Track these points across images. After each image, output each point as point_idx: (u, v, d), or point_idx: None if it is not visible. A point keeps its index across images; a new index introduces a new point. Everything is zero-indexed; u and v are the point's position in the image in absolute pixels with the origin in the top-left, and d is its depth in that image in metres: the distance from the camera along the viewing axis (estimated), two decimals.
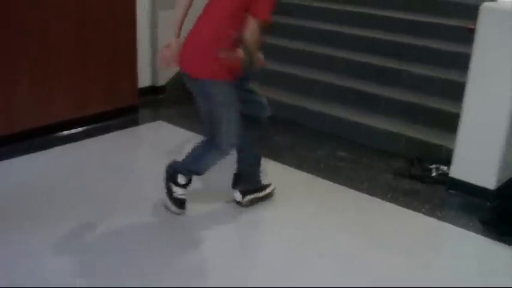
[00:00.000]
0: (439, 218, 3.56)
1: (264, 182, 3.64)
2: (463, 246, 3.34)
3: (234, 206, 3.52)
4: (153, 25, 5.53)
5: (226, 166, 3.49)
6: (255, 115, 3.38)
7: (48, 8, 4.35)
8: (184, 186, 3.38)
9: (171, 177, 3.38)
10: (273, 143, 4.60)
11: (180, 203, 3.39)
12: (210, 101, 3.14)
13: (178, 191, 3.38)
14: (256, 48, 3.18)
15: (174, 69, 5.72)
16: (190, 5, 3.21)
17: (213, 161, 3.30)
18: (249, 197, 3.53)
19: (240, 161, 3.54)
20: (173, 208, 3.39)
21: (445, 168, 4.04)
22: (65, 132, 4.60)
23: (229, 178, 3.56)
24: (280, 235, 3.28)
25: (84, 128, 4.72)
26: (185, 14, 3.22)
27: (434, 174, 4.06)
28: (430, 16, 5.51)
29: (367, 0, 6.08)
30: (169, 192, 3.39)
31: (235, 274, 2.89)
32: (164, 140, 4.61)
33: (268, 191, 3.63)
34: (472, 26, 3.67)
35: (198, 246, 3.17)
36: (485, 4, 3.62)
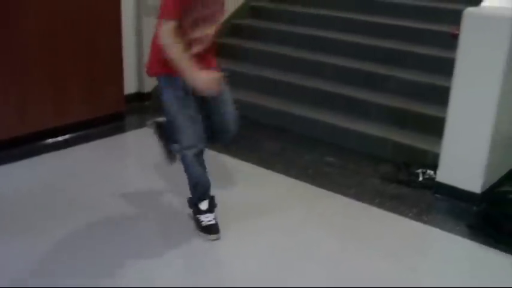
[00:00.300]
0: (425, 222, 3.57)
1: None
2: (450, 250, 3.36)
3: (222, 211, 3.51)
4: (139, 31, 5.52)
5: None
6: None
7: (28, 13, 4.28)
8: (207, 211, 3.30)
9: (193, 207, 3.34)
10: (262, 149, 4.61)
11: (213, 229, 3.27)
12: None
13: (204, 219, 3.29)
14: (177, 57, 2.87)
15: None
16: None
17: (191, 169, 3.17)
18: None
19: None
20: (209, 237, 3.25)
21: (431, 172, 4.06)
22: (50, 141, 4.57)
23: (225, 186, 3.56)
24: (268, 240, 3.28)
25: (70, 135, 4.70)
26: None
27: (421, 178, 4.07)
28: (417, 22, 5.55)
29: (356, 6, 6.10)
30: (198, 223, 3.31)
31: (222, 281, 2.89)
32: (151, 148, 4.58)
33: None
34: (457, 32, 3.70)
35: (187, 254, 3.16)
36: (469, 9, 3.64)
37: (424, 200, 3.88)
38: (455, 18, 3.79)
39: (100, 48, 4.87)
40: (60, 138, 4.64)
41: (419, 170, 4.12)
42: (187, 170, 3.20)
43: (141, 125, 5.10)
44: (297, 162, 4.39)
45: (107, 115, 5.02)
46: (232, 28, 6.39)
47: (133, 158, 4.65)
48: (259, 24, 6.40)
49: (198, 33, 2.99)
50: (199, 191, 3.27)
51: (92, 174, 4.04)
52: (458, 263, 3.21)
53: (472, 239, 3.39)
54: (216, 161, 4.31)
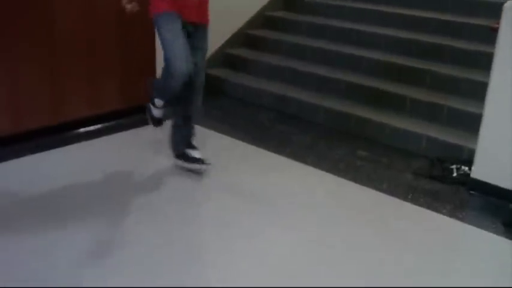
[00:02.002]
0: (460, 219, 3.51)
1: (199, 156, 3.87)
2: (484, 247, 3.28)
3: (253, 203, 3.51)
4: None
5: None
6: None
7: (64, 7, 4.33)
8: (161, 108, 3.87)
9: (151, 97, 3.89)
10: (293, 142, 4.58)
11: (157, 122, 4.02)
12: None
13: (155, 112, 3.93)
14: None
15: None
16: None
17: (165, 83, 3.62)
18: (177, 161, 3.97)
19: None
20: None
21: (466, 168, 3.98)
22: (81, 130, 4.61)
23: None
24: (298, 234, 3.26)
25: (103, 125, 4.73)
26: None
27: (455, 174, 4.01)
28: (455, 15, 5.45)
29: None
30: (148, 112, 3.98)
31: (251, 270, 2.88)
32: None
33: (194, 166, 3.87)
34: (496, 25, 3.61)
35: (215, 246, 3.16)
36: (509, 2, 3.56)
37: (458, 196, 3.81)
38: (494, 11, 3.72)
39: (133, 40, 4.89)
40: (92, 128, 4.68)
41: (454, 166, 4.05)
42: (160, 81, 3.79)
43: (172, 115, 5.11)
44: (328, 155, 4.35)
45: (140, 105, 5.04)
46: (264, 20, 6.37)
47: (164, 147, 4.65)
48: (292, 17, 6.36)
49: None
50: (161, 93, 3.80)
51: (122, 163, 4.08)
52: (493, 261, 3.14)
53: (507, 237, 3.32)
54: (247, 152, 4.30)
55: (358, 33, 5.70)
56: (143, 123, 4.85)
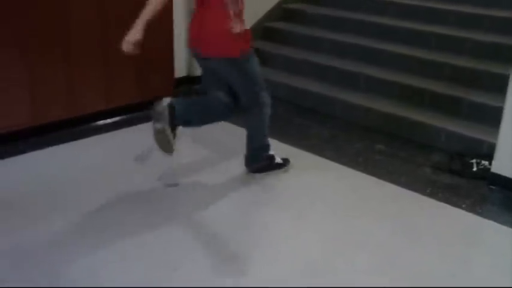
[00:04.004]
0: (479, 214, 3.47)
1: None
2: (504, 243, 3.24)
3: (271, 196, 3.50)
4: (189, 16, 5.50)
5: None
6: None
7: (81, 1, 4.34)
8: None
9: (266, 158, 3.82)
10: (312, 136, 4.56)
11: (285, 161, 3.89)
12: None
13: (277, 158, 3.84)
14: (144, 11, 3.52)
15: None
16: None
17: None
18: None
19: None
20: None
21: (486, 163, 3.94)
22: (99, 123, 4.63)
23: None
24: (316, 227, 3.25)
25: (119, 118, 4.75)
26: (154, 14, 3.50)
27: (475, 169, 3.96)
28: (476, 7, 5.39)
29: None
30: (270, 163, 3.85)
31: (270, 263, 2.87)
32: (198, 131, 4.58)
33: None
34: None
35: (230, 235, 3.16)
36: None
37: (478, 191, 3.77)
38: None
39: (151, 33, 4.85)
40: (109, 121, 4.69)
41: (474, 160, 4.00)
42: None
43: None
44: (347, 149, 4.32)
45: (157, 98, 5.04)
46: (283, 13, 6.34)
47: (180, 140, 4.65)
48: (311, 10, 6.32)
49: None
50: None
51: (138, 157, 4.08)
52: (511, 256, 3.11)
53: None
54: None
55: (378, 26, 5.66)
56: None
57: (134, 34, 3.39)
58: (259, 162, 3.77)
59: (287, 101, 5.23)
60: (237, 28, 3.31)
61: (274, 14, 6.31)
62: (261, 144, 3.74)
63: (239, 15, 3.35)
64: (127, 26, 4.66)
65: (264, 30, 6.18)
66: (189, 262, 2.86)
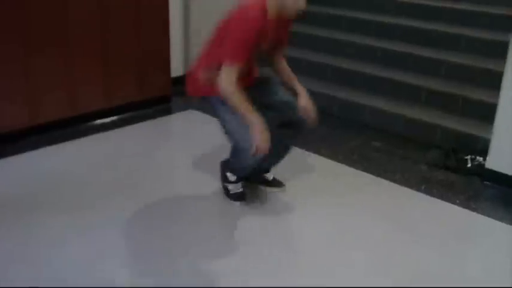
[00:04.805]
0: (473, 210, 3.49)
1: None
2: (498, 238, 3.26)
3: (266, 195, 3.52)
4: (186, 16, 5.53)
5: None
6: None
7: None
8: (235, 182, 3.42)
9: (222, 175, 3.47)
10: (307, 133, 4.56)
11: (237, 197, 3.44)
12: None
13: (231, 188, 3.45)
14: (237, 105, 2.92)
15: None
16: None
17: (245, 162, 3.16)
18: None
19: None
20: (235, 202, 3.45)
21: (481, 159, 3.95)
22: (97, 122, 4.65)
23: None
24: (312, 225, 3.26)
25: (118, 117, 4.76)
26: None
27: (469, 165, 3.97)
28: (472, 4, 5.40)
29: None
30: (226, 191, 3.48)
31: (263, 262, 2.89)
32: (196, 129, 4.62)
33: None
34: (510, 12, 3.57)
35: (225, 236, 3.17)
36: None
37: (473, 187, 3.79)
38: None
39: (148, 33, 4.90)
40: (107, 120, 4.71)
41: (468, 156, 4.02)
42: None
43: (186, 107, 5.14)
44: (343, 146, 4.34)
45: (154, 97, 5.07)
46: None
47: (178, 139, 4.68)
48: (308, 8, 6.31)
49: (254, 60, 3.12)
50: (238, 172, 3.35)
51: (136, 155, 4.09)
52: (506, 251, 3.11)
53: None
54: None
55: (373, 24, 5.67)
56: (158, 114, 4.90)
57: (261, 129, 2.91)
58: (225, 171, 3.48)
59: None
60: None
61: None
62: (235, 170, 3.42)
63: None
64: (126, 24, 4.71)
65: None
66: (169, 259, 2.88)
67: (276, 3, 2.93)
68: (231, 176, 3.42)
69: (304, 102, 3.18)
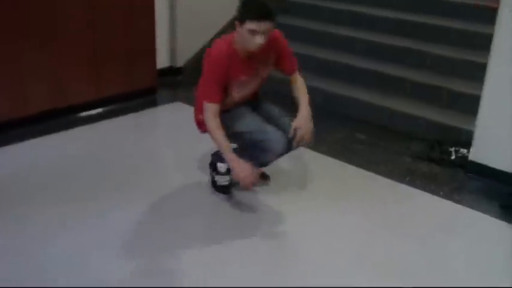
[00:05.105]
0: (457, 202, 3.51)
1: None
2: (481, 230, 3.29)
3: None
4: (172, 6, 5.50)
5: None
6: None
7: None
8: (225, 174, 3.43)
9: (212, 165, 3.47)
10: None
11: (222, 189, 3.47)
12: None
13: (218, 179, 3.47)
14: (217, 142, 3.11)
15: (192, 50, 5.74)
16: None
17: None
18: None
19: None
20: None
21: (465, 151, 3.98)
22: (83, 114, 4.63)
23: None
24: (294, 217, 3.27)
25: (104, 109, 4.75)
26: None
27: (453, 157, 4.00)
28: None
29: None
30: (213, 182, 3.50)
31: (247, 256, 2.90)
32: (182, 121, 4.59)
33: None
34: (478, 3, 3.57)
35: (213, 230, 3.18)
36: None
37: (456, 178, 3.82)
38: None
39: (134, 24, 4.88)
40: (94, 112, 4.70)
41: (452, 148, 4.05)
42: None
43: (172, 99, 5.13)
44: (327, 138, 4.35)
45: (140, 89, 5.06)
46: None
47: (164, 131, 4.68)
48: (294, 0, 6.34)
49: (245, 91, 3.21)
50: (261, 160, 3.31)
51: (122, 147, 4.09)
52: (490, 243, 3.14)
53: (504, 220, 3.33)
54: None
55: (355, 15, 5.69)
56: (144, 106, 4.89)
57: (241, 166, 3.01)
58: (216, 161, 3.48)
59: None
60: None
61: None
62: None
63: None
64: (114, 16, 4.68)
65: None
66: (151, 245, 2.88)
67: (237, 40, 3.04)
68: (221, 167, 3.43)
69: (298, 123, 3.14)
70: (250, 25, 2.91)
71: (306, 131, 3.14)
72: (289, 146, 3.19)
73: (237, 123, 3.18)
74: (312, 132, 3.19)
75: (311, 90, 5.01)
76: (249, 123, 3.18)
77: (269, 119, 3.27)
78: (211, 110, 3.04)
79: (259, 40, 2.95)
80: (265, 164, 3.37)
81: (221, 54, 3.04)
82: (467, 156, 3.91)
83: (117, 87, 4.89)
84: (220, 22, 5.90)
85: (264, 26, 2.91)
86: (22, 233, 2.99)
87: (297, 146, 3.20)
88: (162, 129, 4.78)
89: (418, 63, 4.92)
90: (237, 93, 3.19)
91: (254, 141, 3.14)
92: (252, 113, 3.26)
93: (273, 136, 3.11)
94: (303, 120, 3.16)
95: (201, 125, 3.29)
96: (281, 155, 3.25)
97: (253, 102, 3.38)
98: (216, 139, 3.06)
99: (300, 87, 3.41)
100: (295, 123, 3.14)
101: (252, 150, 3.17)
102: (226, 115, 3.16)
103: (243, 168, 3.00)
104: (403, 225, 3.23)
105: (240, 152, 3.21)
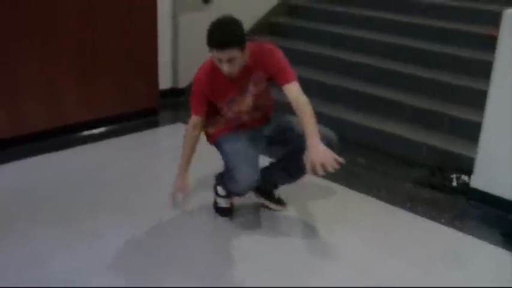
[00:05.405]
0: (458, 229, 3.49)
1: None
2: (483, 258, 3.26)
3: (249, 212, 3.51)
4: (175, 27, 5.53)
5: None
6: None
7: (59, 6, 4.34)
8: (225, 197, 3.44)
9: (214, 187, 3.48)
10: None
11: (223, 212, 3.49)
12: None
13: (219, 201, 3.48)
14: (181, 154, 3.27)
15: (195, 71, 5.74)
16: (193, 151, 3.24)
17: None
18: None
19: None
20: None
21: (466, 178, 3.97)
22: (84, 133, 4.64)
23: None
24: (293, 240, 3.26)
25: (104, 129, 4.75)
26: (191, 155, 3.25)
27: (455, 183, 3.99)
28: (457, 23, 5.44)
29: (392, 6, 6.01)
30: (215, 203, 3.52)
31: (248, 278, 2.87)
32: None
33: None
34: (492, 33, 3.60)
35: (207, 247, 3.16)
36: (509, 10, 3.54)
37: (458, 205, 3.80)
38: (490, 18, 3.69)
39: (135, 44, 4.90)
40: (94, 132, 4.70)
41: (454, 175, 4.03)
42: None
43: (174, 120, 5.13)
44: None
45: (141, 110, 5.07)
46: (269, 27, 6.36)
47: (165, 152, 4.67)
48: (295, 23, 6.37)
49: (235, 109, 3.19)
50: (229, 189, 3.32)
51: (122, 167, 4.08)
52: (491, 272, 3.12)
53: (505, 248, 3.30)
54: None
55: (357, 40, 5.71)
56: (145, 127, 4.89)
57: (181, 182, 3.18)
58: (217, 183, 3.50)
59: None
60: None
61: (260, 26, 6.35)
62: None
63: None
64: (114, 35, 4.70)
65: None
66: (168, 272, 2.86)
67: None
68: (221, 191, 3.43)
69: (311, 157, 2.86)
70: (213, 53, 2.90)
71: (322, 160, 2.82)
72: (258, 184, 3.17)
73: (225, 144, 3.20)
74: (334, 158, 2.86)
75: None
76: (233, 147, 3.15)
77: (285, 133, 3.31)
78: (191, 122, 3.19)
79: (225, 68, 2.92)
80: (236, 194, 3.35)
81: (205, 71, 3.12)
82: (468, 183, 3.89)
83: (119, 108, 4.91)
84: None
85: (226, 54, 2.83)
86: (20, 251, 2.97)
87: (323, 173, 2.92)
88: (164, 149, 4.77)
89: (419, 88, 4.93)
90: (228, 111, 3.20)
91: (228, 166, 3.15)
92: (247, 141, 3.20)
93: (245, 168, 3.03)
94: (314, 154, 2.84)
95: (208, 138, 3.38)
96: (247, 190, 3.18)
97: (262, 127, 3.33)
98: (183, 146, 3.22)
99: (302, 115, 3.24)
100: (308, 160, 2.87)
101: (227, 175, 3.20)
102: (226, 135, 3.22)
103: (176, 186, 3.17)
104: (404, 252, 3.21)
105: (222, 172, 3.30)
